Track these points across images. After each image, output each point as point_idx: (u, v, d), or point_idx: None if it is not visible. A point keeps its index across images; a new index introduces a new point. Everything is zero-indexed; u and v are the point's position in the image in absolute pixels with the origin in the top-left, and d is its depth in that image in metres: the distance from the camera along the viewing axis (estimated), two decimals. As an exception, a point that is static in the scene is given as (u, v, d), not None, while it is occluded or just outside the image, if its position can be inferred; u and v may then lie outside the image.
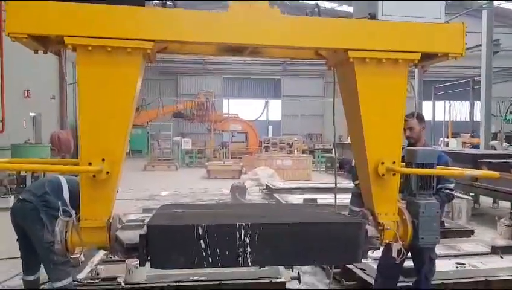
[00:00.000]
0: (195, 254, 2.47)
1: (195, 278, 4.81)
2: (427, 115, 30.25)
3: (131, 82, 2.72)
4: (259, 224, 2.54)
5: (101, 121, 2.68)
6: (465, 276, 5.07)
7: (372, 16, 2.93)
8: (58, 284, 4.29)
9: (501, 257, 5.85)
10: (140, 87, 2.87)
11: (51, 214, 4.16)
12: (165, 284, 4.69)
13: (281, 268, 5.04)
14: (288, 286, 4.98)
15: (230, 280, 4.79)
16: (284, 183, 13.59)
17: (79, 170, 2.76)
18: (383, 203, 3.05)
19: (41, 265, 4.50)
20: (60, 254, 2.80)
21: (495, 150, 17.22)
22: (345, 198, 5.44)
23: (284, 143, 23.17)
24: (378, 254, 4.25)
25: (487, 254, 6.03)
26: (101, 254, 5.54)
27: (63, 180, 4.49)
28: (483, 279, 4.96)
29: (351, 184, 5.18)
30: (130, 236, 2.66)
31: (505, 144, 20.59)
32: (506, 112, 24.00)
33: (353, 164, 3.95)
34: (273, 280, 4.85)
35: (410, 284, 4.56)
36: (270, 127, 32.13)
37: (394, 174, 3.01)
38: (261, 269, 4.29)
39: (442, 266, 5.41)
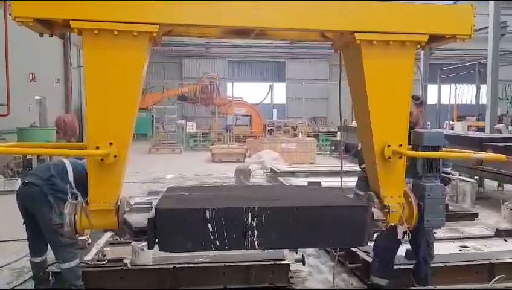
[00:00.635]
0: (202, 237, 2.49)
1: (200, 260, 4.85)
2: (433, 98, 30.19)
3: (137, 65, 2.72)
4: (266, 207, 2.56)
5: (108, 104, 2.68)
6: (468, 259, 5.09)
7: (380, -2, 2.91)
8: (66, 265, 4.35)
9: (505, 240, 5.87)
10: (146, 70, 2.87)
11: (58, 197, 4.23)
12: (171, 266, 4.74)
13: (286, 251, 5.07)
14: (292, 268, 5.03)
15: (235, 262, 4.84)
16: (288, 166, 13.60)
17: (87, 153, 2.78)
18: (389, 186, 3.06)
19: (48, 247, 4.57)
20: (69, 236, 2.83)
21: (500, 133, 17.17)
22: (350, 181, 5.45)
23: (288, 126, 23.18)
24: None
25: (491, 237, 6.05)
26: (107, 236, 5.59)
27: (67, 163, 4.52)
28: (486, 262, 4.98)
29: (356, 167, 5.18)
30: (138, 219, 2.68)
31: (510, 128, 20.52)
32: (513, 95, 23.84)
33: (359, 148, 3.95)
34: (277, 262, 4.89)
35: (411, 266, 4.60)
36: (275, 111, 32.05)
37: (400, 157, 3.02)
38: (266, 251, 4.33)
39: (446, 249, 5.45)
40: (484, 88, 20.36)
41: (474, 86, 30.86)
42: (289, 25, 2.85)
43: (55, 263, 4.66)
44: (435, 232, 5.94)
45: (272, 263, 4.87)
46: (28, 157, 10.82)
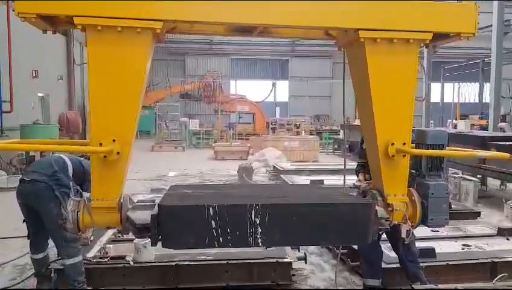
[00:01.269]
0: (206, 234, 2.49)
1: (202, 257, 4.86)
2: (436, 97, 30.13)
3: (141, 62, 2.71)
4: (270, 205, 2.56)
5: (112, 101, 2.68)
6: (471, 257, 5.08)
7: (384, -5, 2.89)
8: (70, 261, 4.36)
9: (507, 239, 5.85)
10: (150, 67, 2.87)
11: (63, 192, 4.27)
12: (173, 264, 4.74)
13: (288, 249, 5.07)
14: (294, 266, 5.03)
15: (237, 260, 4.84)
16: (291, 164, 13.60)
17: (90, 150, 2.78)
18: (393, 184, 3.05)
19: (50, 244, 4.58)
20: (72, 233, 2.83)
21: (504, 132, 17.12)
22: (353, 180, 5.43)
23: (291, 124, 23.12)
24: (385, 234, 4.29)
25: (493, 236, 6.03)
26: (110, 233, 5.60)
27: (66, 159, 4.56)
28: (489, 261, 4.97)
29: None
30: (141, 216, 2.68)
31: (513, 126, 20.46)
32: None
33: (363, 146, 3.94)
34: (279, 260, 4.88)
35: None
36: (278, 108, 32.07)
37: (404, 156, 3.01)
38: (268, 249, 4.33)
39: (449, 247, 5.44)
40: (488, 87, 20.30)
41: (477, 85, 30.78)
42: (293, 22, 2.84)
43: (57, 260, 4.68)
44: (437, 231, 5.95)
45: (274, 261, 4.87)
46: (31, 154, 10.85)
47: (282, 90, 34.55)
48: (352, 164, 4.95)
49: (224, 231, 2.49)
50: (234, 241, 2.55)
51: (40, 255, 4.61)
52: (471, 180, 9.33)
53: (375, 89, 2.93)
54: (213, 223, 2.47)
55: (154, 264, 4.76)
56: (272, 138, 18.76)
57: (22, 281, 4.96)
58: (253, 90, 32.17)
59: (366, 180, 4.45)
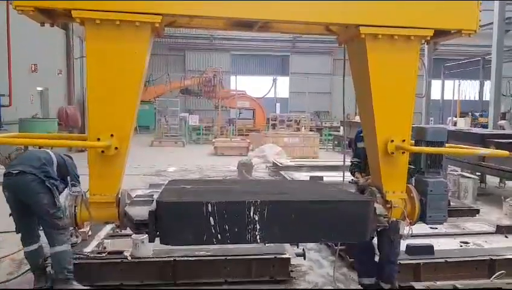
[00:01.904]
0: (204, 231, 2.48)
1: (200, 253, 4.85)
2: (436, 94, 30.09)
3: (139, 56, 2.70)
4: (269, 201, 2.55)
5: (110, 96, 2.67)
6: (469, 255, 5.09)
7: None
8: (62, 247, 4.40)
9: (506, 237, 5.86)
10: (148, 62, 2.85)
11: (52, 183, 4.41)
12: (171, 259, 4.74)
13: (286, 245, 5.07)
14: (293, 262, 5.03)
15: (236, 256, 4.83)
16: (290, 160, 13.60)
17: (88, 145, 2.76)
18: (392, 181, 3.05)
19: (41, 235, 4.61)
20: (64, 225, 2.82)
21: (503, 129, 17.11)
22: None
23: (291, 120, 23.09)
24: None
25: (492, 233, 6.04)
26: (108, 228, 5.59)
27: (51, 153, 4.67)
28: (487, 258, 4.97)
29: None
30: (139, 212, 2.67)
31: (513, 124, 20.44)
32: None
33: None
34: (278, 256, 4.88)
35: (413, 261, 4.59)
36: (278, 104, 32.01)
37: (403, 153, 3.00)
38: (266, 245, 4.32)
39: (447, 244, 5.45)
40: (488, 84, 20.27)
41: (478, 82, 30.76)
42: (294, 17, 2.83)
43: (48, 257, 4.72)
44: (436, 228, 5.95)
45: (273, 256, 4.87)
46: (30, 148, 10.82)
47: (283, 87, 34.50)
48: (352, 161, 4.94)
49: (222, 227, 2.48)
50: (233, 238, 2.54)
51: (34, 246, 4.61)
52: (470, 177, 9.33)
53: (375, 86, 2.92)
54: (211, 219, 2.46)
55: (152, 259, 4.76)
56: (271, 134, 18.74)
57: (19, 275, 4.95)
58: (254, 86, 32.11)
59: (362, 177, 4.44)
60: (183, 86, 27.99)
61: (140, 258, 4.74)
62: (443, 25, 2.91)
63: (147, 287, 4.68)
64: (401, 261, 4.76)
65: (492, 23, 15.00)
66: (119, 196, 2.78)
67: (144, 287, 4.67)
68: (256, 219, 2.50)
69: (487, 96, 23.68)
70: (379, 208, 2.92)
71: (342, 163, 4.01)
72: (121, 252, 4.84)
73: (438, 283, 4.54)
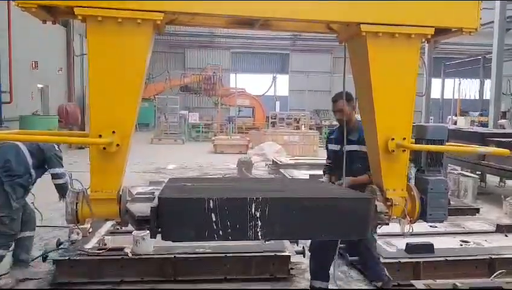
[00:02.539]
0: (206, 227, 2.48)
1: (201, 250, 4.86)
2: (436, 93, 30.02)
3: (141, 53, 2.70)
4: (270, 198, 2.55)
5: (111, 92, 2.67)
6: (469, 254, 5.10)
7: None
8: None
9: (506, 236, 5.86)
10: (149, 59, 2.85)
11: (15, 182, 4.54)
12: (172, 256, 4.75)
13: (286, 242, 5.08)
14: (293, 260, 5.04)
15: (236, 253, 4.84)
16: (290, 158, 13.61)
17: (89, 142, 2.76)
18: (392, 179, 3.05)
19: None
20: (70, 223, 2.82)
21: (503, 128, 17.11)
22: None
23: (291, 118, 23.14)
24: (383, 230, 4.28)
25: (492, 232, 6.05)
26: (109, 225, 5.60)
27: (22, 146, 4.69)
28: (487, 257, 4.98)
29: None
30: (141, 208, 2.67)
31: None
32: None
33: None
34: (278, 254, 4.90)
35: (411, 260, 4.60)
36: (278, 103, 31.99)
37: (404, 151, 3.01)
38: (266, 242, 4.33)
39: (447, 243, 5.45)
40: (488, 83, 20.25)
41: (478, 81, 30.74)
42: (295, 15, 2.83)
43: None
44: (436, 226, 5.96)
45: (273, 254, 4.88)
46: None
47: (283, 85, 34.48)
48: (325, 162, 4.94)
49: (224, 224, 2.49)
50: (234, 234, 2.54)
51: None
52: (470, 176, 9.34)
53: (376, 84, 2.92)
54: (213, 216, 2.46)
55: (152, 256, 4.78)
56: (271, 132, 18.77)
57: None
58: (254, 84, 32.08)
59: (330, 181, 4.45)
60: (183, 84, 27.99)
61: (140, 254, 4.75)
62: (444, 23, 2.90)
63: (147, 283, 4.69)
64: (401, 260, 4.79)
65: (493, 21, 14.99)
66: (120, 192, 2.78)
67: (144, 283, 4.69)
68: (258, 215, 2.51)
69: (487, 95, 23.65)
70: (380, 206, 2.92)
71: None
72: (121, 249, 4.85)
73: (438, 281, 4.54)
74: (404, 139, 2.97)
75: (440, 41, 3.48)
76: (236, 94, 26.53)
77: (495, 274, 4.75)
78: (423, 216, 3.07)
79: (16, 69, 13.84)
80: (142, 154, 14.96)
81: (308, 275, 5.02)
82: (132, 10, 2.56)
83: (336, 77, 32.36)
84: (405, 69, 2.96)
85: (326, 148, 4.71)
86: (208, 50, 33.99)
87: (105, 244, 4.99)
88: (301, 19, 2.90)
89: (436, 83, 30.03)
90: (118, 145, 2.66)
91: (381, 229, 3.28)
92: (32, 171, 4.72)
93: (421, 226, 5.62)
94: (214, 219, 2.47)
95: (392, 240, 5.28)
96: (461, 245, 5.47)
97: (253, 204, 2.50)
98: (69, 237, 5.21)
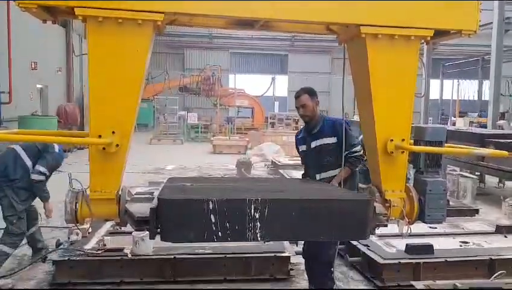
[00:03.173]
0: (205, 228, 2.48)
1: (200, 251, 4.86)
2: (435, 94, 30.05)
3: (141, 54, 2.70)
4: (269, 200, 2.55)
5: (111, 93, 2.67)
6: (469, 254, 5.10)
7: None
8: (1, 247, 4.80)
9: (505, 237, 5.87)
10: (149, 59, 2.85)
11: (16, 186, 4.78)
12: (171, 257, 4.75)
13: (286, 243, 5.09)
14: (292, 260, 5.04)
15: (235, 254, 4.85)
16: (289, 159, 13.60)
17: (89, 142, 2.76)
18: (391, 180, 3.05)
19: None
20: (70, 223, 2.83)
21: (502, 129, 17.12)
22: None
23: (290, 119, 23.12)
24: (382, 230, 4.28)
25: (491, 233, 6.05)
26: (108, 225, 5.60)
27: (18, 148, 4.90)
28: (487, 258, 4.98)
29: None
30: (140, 209, 2.67)
31: (512, 124, 20.44)
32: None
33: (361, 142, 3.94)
34: (277, 255, 4.90)
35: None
36: (276, 103, 31.95)
37: (403, 152, 3.01)
38: (266, 243, 4.33)
39: (447, 244, 5.46)
40: (487, 84, 20.27)
41: (477, 82, 30.77)
42: (295, 16, 2.83)
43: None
44: (435, 227, 5.96)
45: (272, 255, 4.89)
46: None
47: (281, 85, 34.49)
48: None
49: (223, 225, 2.49)
50: (233, 235, 2.54)
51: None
52: (469, 177, 9.34)
53: (375, 85, 2.93)
54: (212, 217, 2.46)
55: (152, 257, 4.78)
56: (270, 133, 18.76)
57: (19, 270, 4.97)
58: (252, 84, 32.08)
59: None
60: (182, 84, 27.95)
61: (140, 255, 4.75)
62: (443, 25, 2.91)
63: (146, 284, 4.69)
64: (401, 261, 4.79)
65: (491, 23, 15.03)
66: (120, 192, 2.78)
67: (143, 284, 4.69)
68: (257, 216, 2.51)
69: (486, 96, 23.67)
70: (379, 207, 2.93)
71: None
72: (121, 249, 4.86)
73: (438, 282, 4.54)
74: (403, 140, 2.98)
75: (439, 42, 3.49)
76: (235, 95, 26.53)
77: (495, 275, 4.76)
78: (421, 217, 3.07)
79: (15, 70, 13.82)
80: (141, 155, 14.94)
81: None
82: (133, 11, 2.56)
83: (334, 78, 32.35)
84: (404, 70, 2.96)
85: (297, 151, 4.53)
86: (207, 51, 33.98)
87: (104, 245, 4.99)
88: (301, 20, 2.91)
89: (435, 84, 30.03)
90: (117, 145, 2.67)
91: (381, 230, 3.28)
92: (39, 170, 4.89)
93: (420, 227, 5.63)
94: (213, 220, 2.47)
95: (391, 241, 5.29)
96: (461, 246, 5.48)
97: (253, 205, 2.50)
98: (69, 237, 5.22)
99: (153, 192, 3.09)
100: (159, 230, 2.55)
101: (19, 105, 14.23)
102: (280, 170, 11.63)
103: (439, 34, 2.98)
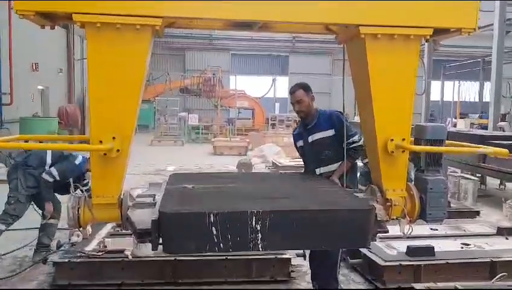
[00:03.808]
0: (207, 240, 2.50)
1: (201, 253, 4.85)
2: (436, 95, 30.01)
3: (140, 58, 2.70)
4: (270, 211, 2.57)
5: (111, 98, 2.67)
6: (470, 256, 5.08)
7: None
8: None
9: (506, 239, 5.85)
10: (149, 63, 2.85)
11: (28, 171, 5.21)
12: (172, 259, 4.74)
13: (287, 245, 5.06)
14: (293, 262, 5.03)
15: (236, 256, 4.83)
16: (290, 160, 13.59)
17: (90, 148, 2.76)
18: (392, 179, 3.06)
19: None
20: (73, 227, 2.84)
21: (503, 131, 17.11)
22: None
23: (290, 120, 23.09)
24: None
25: (493, 235, 6.03)
26: (109, 227, 5.60)
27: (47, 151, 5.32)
28: (488, 260, 4.97)
29: (358, 163, 5.15)
30: (141, 216, 2.68)
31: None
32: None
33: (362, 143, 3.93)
34: (278, 257, 4.89)
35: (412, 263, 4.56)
36: (277, 104, 31.94)
37: (403, 151, 3.01)
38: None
39: (448, 246, 5.44)
40: (488, 85, 20.25)
41: (478, 83, 30.73)
42: (293, 18, 2.83)
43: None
44: (437, 229, 5.95)
45: (273, 257, 4.87)
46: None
47: (282, 86, 34.47)
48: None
49: (224, 237, 2.50)
50: (235, 246, 2.55)
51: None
52: (470, 179, 9.32)
53: (375, 85, 2.93)
54: (214, 229, 2.47)
55: (153, 258, 4.76)
56: (271, 134, 18.75)
57: (20, 271, 4.96)
58: (253, 85, 32.07)
59: None
60: (182, 86, 27.94)
61: (141, 257, 4.74)
62: (442, 23, 2.91)
63: (147, 286, 4.68)
64: (402, 263, 4.77)
65: (492, 24, 15.01)
66: (122, 197, 2.78)
67: (144, 286, 4.68)
68: (259, 228, 2.52)
69: (487, 97, 23.67)
70: (379, 214, 2.91)
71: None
72: (121, 251, 4.84)
73: (439, 284, 4.54)
74: (404, 140, 2.98)
75: (439, 43, 3.48)
76: (236, 96, 26.53)
77: (496, 277, 4.75)
78: (423, 216, 3.07)
79: (17, 71, 13.84)
80: (141, 156, 14.94)
81: (308, 278, 5.02)
82: (130, 16, 2.56)
83: (335, 79, 32.33)
84: (404, 70, 2.97)
85: (296, 148, 4.51)
86: (208, 52, 33.97)
87: (105, 247, 4.98)
88: (300, 21, 2.91)
89: (435, 85, 30.01)
90: (118, 150, 2.67)
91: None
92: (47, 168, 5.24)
93: (421, 229, 5.63)
94: (214, 233, 2.48)
95: (392, 242, 5.27)
96: (462, 248, 5.46)
97: (254, 217, 2.51)
98: (69, 239, 5.20)
99: (154, 195, 3.09)
100: (160, 241, 2.56)
101: (20, 106, 14.25)
102: (280, 171, 11.60)
103: (439, 32, 2.98)
